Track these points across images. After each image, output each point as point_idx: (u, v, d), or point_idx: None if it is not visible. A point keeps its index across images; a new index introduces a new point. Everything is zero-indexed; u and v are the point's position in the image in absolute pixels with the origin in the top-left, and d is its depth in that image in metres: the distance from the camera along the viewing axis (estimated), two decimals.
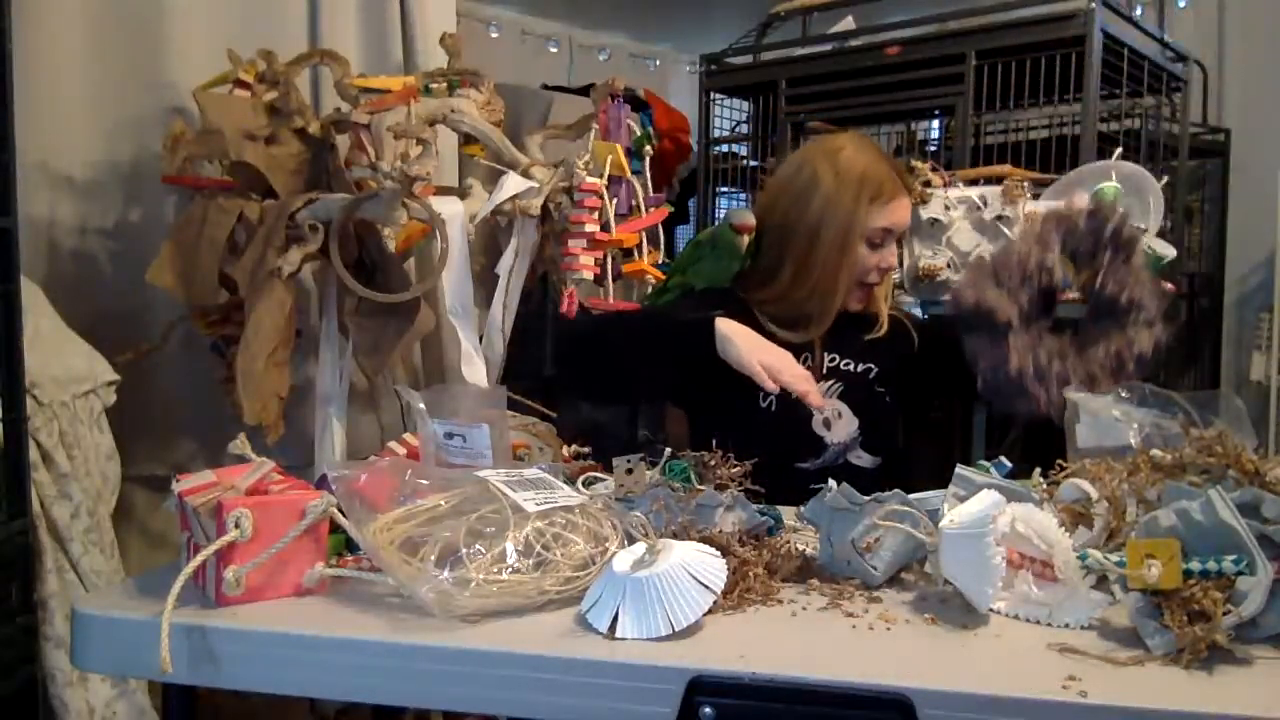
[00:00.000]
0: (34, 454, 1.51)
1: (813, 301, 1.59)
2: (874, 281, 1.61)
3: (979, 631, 0.87)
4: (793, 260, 1.58)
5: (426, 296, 1.84)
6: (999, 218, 1.88)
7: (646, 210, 1.98)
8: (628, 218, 1.96)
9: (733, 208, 1.81)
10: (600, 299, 1.94)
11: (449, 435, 1.23)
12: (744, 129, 2.79)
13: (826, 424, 1.59)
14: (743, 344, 1.44)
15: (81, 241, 1.96)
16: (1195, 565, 0.81)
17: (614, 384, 1.63)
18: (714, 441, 1.18)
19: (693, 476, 1.15)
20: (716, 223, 2.48)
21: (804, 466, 1.56)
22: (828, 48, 2.56)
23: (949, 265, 1.92)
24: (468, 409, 1.24)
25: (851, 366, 1.62)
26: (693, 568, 0.87)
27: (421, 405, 1.23)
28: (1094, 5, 2.06)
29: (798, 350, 1.57)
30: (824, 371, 1.61)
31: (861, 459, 1.59)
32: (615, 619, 0.84)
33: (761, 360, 1.42)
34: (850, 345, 1.63)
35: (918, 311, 1.94)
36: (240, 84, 1.87)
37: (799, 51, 2.62)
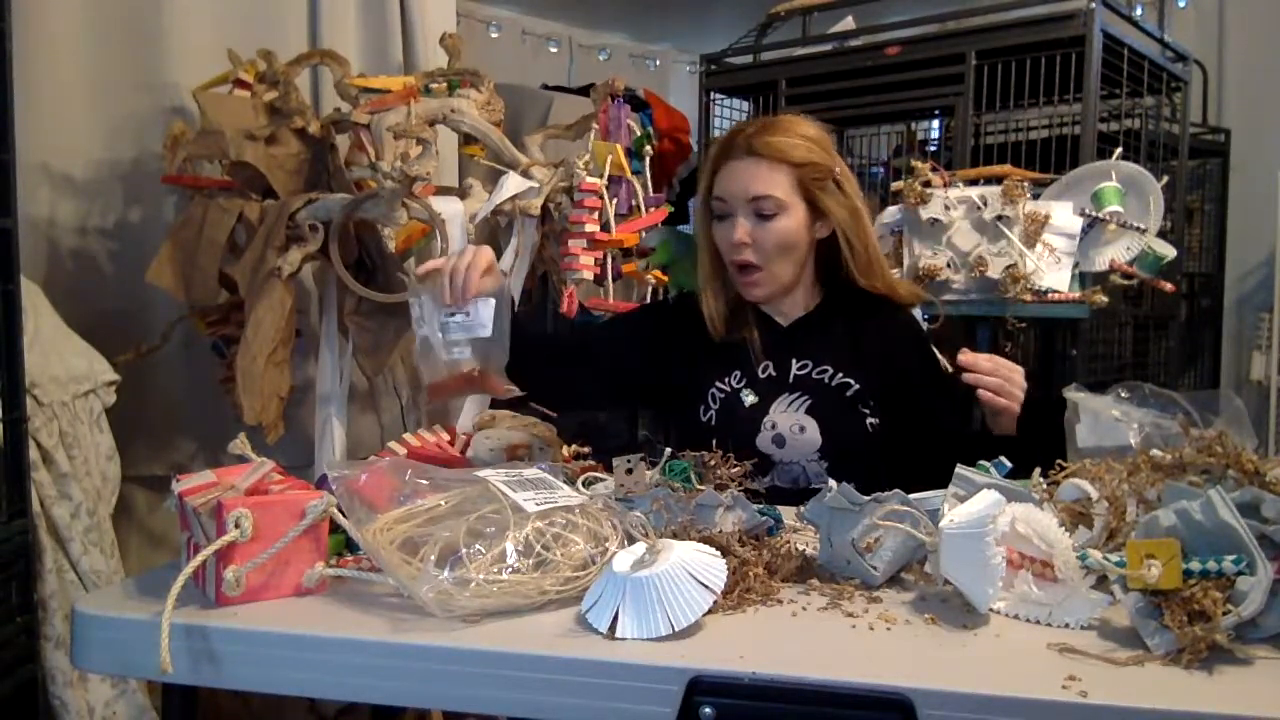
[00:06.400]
0: (34, 454, 1.51)
1: (709, 294, 1.48)
2: (737, 260, 1.42)
3: (979, 631, 0.87)
4: None
5: None
6: (999, 218, 1.88)
7: (646, 210, 1.98)
8: (628, 218, 1.96)
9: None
10: (600, 299, 1.94)
11: (450, 313, 1.26)
12: None
13: (778, 441, 1.42)
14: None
15: (81, 241, 1.96)
16: (1195, 565, 0.81)
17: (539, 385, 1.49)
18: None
19: (693, 476, 1.15)
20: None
21: (753, 488, 1.19)
22: (828, 48, 2.57)
23: (949, 265, 1.92)
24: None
25: (826, 377, 1.43)
26: (693, 568, 0.87)
27: (425, 296, 1.27)
28: (1094, 5, 2.06)
29: (743, 356, 1.45)
30: (790, 380, 1.44)
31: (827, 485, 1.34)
32: (615, 619, 0.84)
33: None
34: (829, 352, 1.45)
35: (917, 313, 1.91)
36: (240, 84, 1.87)
37: (799, 51, 2.62)
